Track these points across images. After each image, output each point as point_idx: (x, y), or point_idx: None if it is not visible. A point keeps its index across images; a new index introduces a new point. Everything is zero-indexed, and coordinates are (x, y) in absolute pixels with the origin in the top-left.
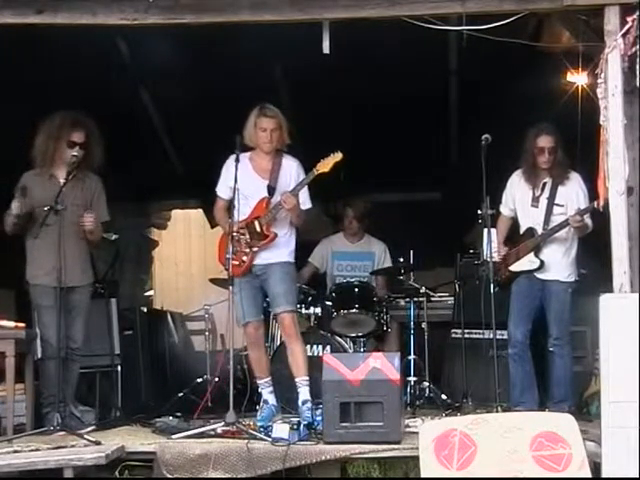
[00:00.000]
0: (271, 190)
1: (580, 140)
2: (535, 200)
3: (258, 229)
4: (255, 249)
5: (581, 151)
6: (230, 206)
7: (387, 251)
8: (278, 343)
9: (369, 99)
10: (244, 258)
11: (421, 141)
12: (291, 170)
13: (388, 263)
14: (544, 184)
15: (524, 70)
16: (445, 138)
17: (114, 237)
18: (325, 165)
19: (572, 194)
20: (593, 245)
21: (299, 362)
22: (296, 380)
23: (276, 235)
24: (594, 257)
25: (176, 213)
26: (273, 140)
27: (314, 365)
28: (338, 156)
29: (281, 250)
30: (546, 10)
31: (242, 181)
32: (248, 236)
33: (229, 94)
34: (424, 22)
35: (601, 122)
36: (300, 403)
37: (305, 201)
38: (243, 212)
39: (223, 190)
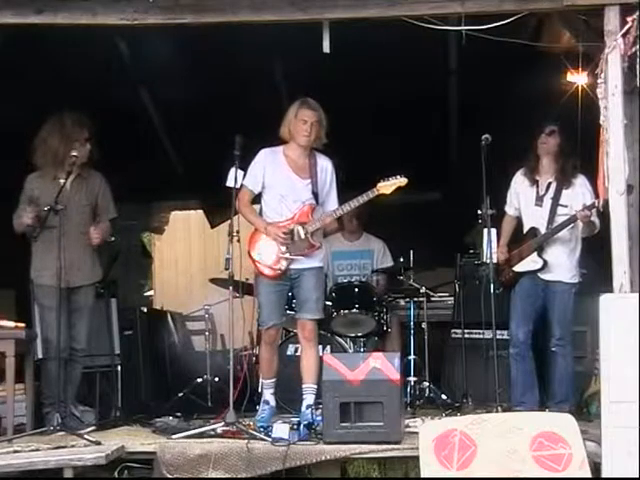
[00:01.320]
0: (316, 196)
1: (580, 140)
2: (539, 199)
3: (303, 236)
4: (298, 257)
5: (581, 151)
6: (253, 200)
7: (386, 247)
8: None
9: (369, 99)
10: (283, 263)
11: (421, 141)
12: (327, 170)
13: (388, 259)
14: (549, 184)
15: (524, 70)
16: (445, 138)
17: (112, 238)
18: (387, 187)
19: (577, 195)
20: (593, 245)
21: (312, 368)
22: (304, 385)
23: (321, 245)
24: (594, 257)
25: (176, 213)
26: (312, 134)
27: None
28: (403, 181)
29: (315, 255)
30: (546, 10)
31: (276, 177)
32: (289, 240)
33: (229, 94)
34: (424, 22)
35: (601, 122)
36: (304, 407)
37: (334, 202)
38: (280, 212)
39: (253, 183)
